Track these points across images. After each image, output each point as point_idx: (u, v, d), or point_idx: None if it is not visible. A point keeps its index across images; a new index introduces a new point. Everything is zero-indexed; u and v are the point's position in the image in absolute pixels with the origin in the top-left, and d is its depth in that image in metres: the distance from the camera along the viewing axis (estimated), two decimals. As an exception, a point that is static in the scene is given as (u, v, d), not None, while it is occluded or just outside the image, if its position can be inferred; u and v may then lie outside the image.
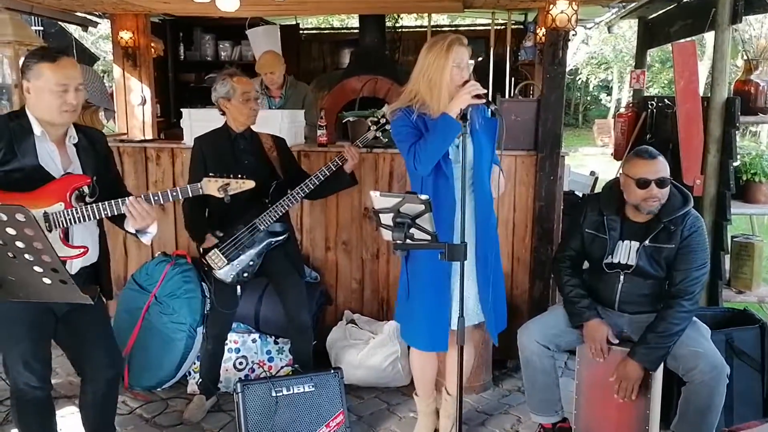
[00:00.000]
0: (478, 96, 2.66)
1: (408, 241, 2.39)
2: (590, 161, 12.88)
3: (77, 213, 2.42)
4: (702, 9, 3.90)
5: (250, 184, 2.65)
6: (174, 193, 2.58)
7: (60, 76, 2.37)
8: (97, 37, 14.35)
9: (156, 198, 2.54)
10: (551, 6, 3.66)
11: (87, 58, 6.89)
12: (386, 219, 2.42)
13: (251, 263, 3.36)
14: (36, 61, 2.38)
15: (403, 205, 2.36)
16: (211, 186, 2.60)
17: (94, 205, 2.46)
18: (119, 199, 2.48)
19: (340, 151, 3.43)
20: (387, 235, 2.46)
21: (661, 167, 2.91)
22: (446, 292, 2.88)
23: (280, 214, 3.34)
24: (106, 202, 2.46)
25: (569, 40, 3.77)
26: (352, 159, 3.39)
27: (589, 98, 25.59)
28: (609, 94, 23.92)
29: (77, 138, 2.55)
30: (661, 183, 2.89)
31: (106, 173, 2.62)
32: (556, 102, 3.82)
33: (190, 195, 2.63)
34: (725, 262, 3.79)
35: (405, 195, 2.37)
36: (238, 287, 3.42)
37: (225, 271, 3.33)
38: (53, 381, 2.73)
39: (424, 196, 2.33)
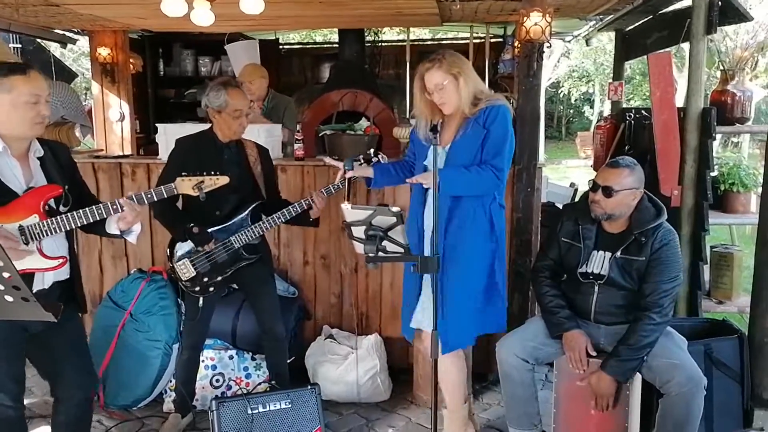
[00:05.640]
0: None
1: (380, 253, 2.37)
2: (573, 173, 12.94)
3: (53, 224, 2.38)
4: (678, 20, 3.92)
5: (224, 180, 2.64)
6: (149, 195, 2.53)
7: (33, 87, 2.34)
8: (78, 54, 14.32)
9: (131, 199, 2.50)
10: (525, 18, 3.66)
11: (66, 75, 6.84)
12: (358, 232, 2.40)
13: (218, 278, 3.27)
14: (4, 74, 2.32)
15: (375, 217, 2.34)
16: (186, 185, 2.57)
17: (74, 212, 2.41)
18: (100, 205, 2.45)
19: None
20: (359, 248, 2.43)
21: (615, 177, 2.90)
22: (415, 290, 3.08)
23: (257, 236, 3.26)
24: (87, 209, 2.42)
25: (543, 52, 3.77)
26: (317, 210, 3.29)
27: (571, 111, 25.79)
28: (592, 107, 24.10)
29: (42, 151, 2.49)
30: (605, 191, 2.89)
31: (73, 185, 2.57)
32: (532, 114, 3.82)
33: (165, 196, 2.58)
34: (704, 272, 3.78)
35: (376, 207, 2.36)
36: (201, 299, 3.32)
37: (190, 281, 3.26)
38: (28, 400, 2.69)
39: (395, 208, 2.32)
